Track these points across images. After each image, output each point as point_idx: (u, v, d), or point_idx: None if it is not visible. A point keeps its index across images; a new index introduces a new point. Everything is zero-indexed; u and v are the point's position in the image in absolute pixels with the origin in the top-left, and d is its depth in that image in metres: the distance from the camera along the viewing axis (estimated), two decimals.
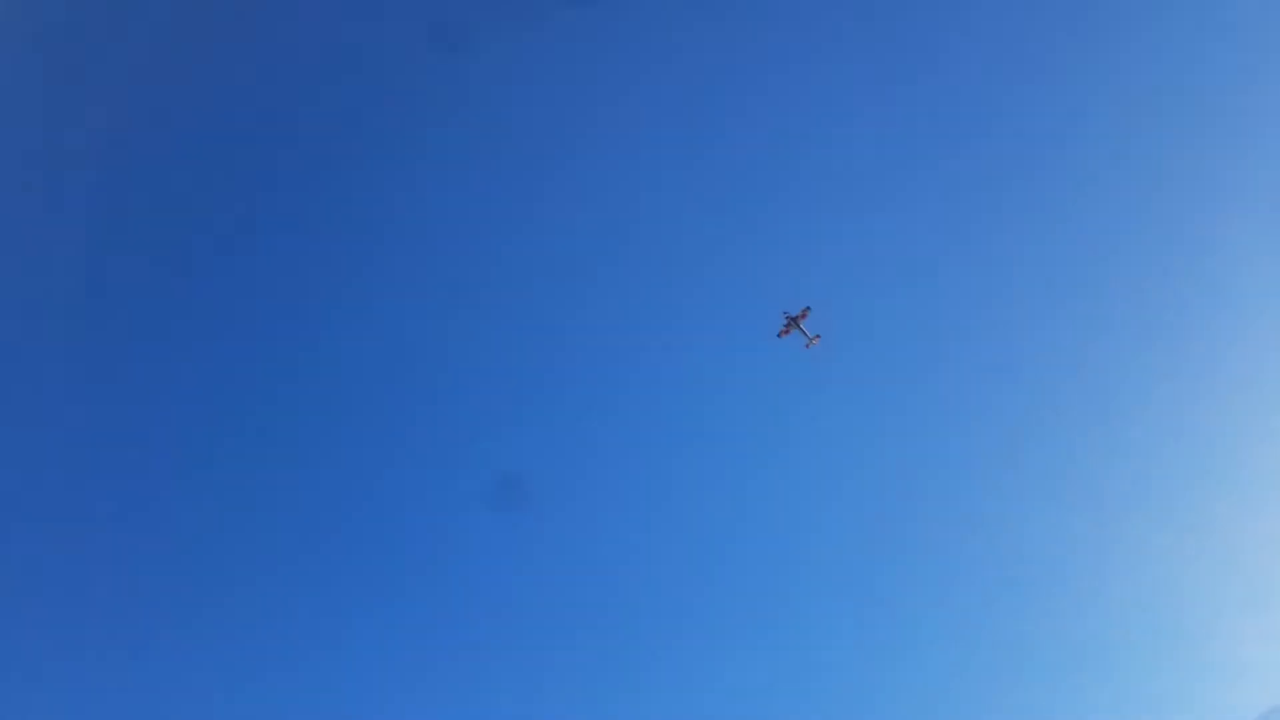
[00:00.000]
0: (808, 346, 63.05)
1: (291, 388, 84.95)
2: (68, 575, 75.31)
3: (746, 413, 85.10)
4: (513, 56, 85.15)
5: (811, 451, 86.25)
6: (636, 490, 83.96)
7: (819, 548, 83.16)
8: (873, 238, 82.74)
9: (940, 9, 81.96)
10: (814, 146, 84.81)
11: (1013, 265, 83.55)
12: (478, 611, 79.71)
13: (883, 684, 76.81)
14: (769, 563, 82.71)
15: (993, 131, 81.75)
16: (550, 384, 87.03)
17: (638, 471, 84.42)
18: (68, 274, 79.99)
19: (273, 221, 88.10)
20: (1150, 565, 77.91)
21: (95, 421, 79.90)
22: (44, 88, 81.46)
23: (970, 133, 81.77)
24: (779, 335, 63.13)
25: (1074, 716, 72.19)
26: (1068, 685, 73.51)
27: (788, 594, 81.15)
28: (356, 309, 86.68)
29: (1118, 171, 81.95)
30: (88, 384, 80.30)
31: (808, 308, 62.11)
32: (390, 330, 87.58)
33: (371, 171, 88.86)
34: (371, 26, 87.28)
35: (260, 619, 77.04)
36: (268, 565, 79.45)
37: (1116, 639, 75.00)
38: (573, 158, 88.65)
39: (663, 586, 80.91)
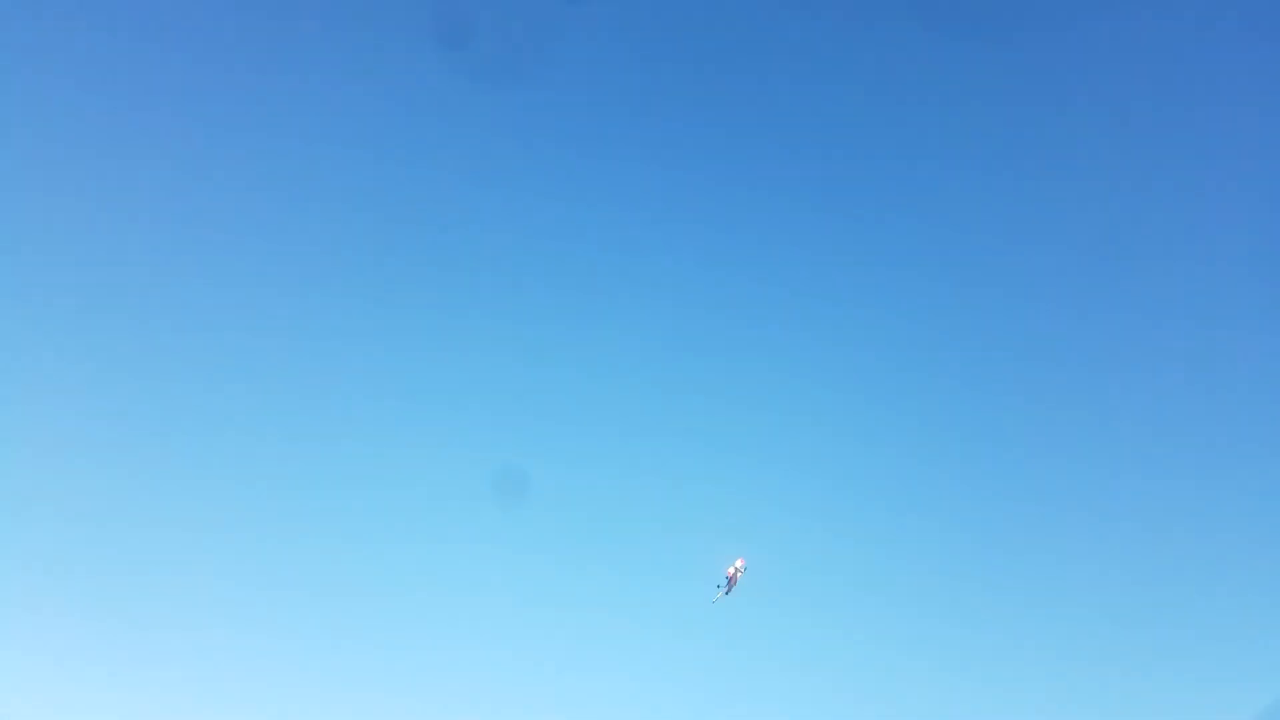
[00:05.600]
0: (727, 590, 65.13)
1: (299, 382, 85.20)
2: None
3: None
4: None
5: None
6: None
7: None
8: None
9: None
10: None
11: None
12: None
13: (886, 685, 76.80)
14: None
15: None
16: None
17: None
18: None
19: (282, 220, 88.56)
20: (1149, 563, 78.12)
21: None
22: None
23: None
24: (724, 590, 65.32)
25: (1072, 715, 72.26)
26: (1066, 684, 73.56)
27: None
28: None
29: None
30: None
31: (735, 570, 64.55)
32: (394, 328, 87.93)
33: (382, 171, 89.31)
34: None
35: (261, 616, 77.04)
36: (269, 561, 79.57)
37: (1114, 637, 75.12)
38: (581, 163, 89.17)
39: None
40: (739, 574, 63.50)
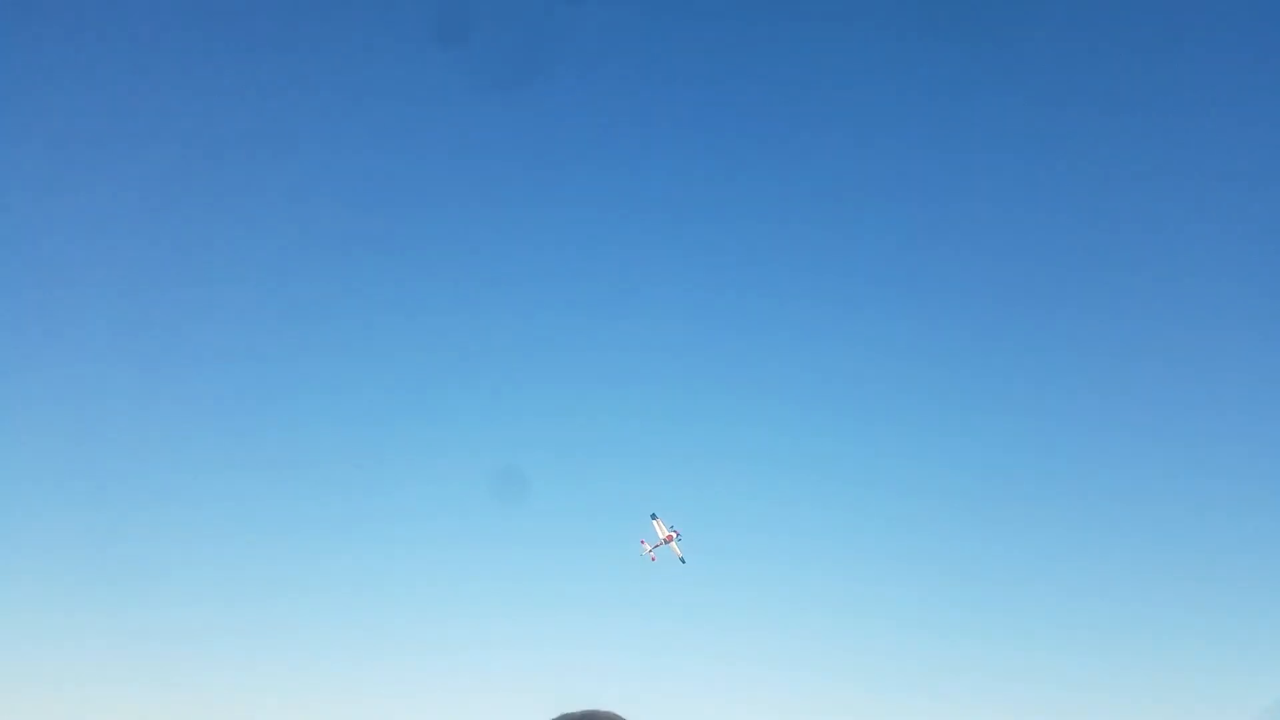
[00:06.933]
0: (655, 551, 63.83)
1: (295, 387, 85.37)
2: None
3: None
4: None
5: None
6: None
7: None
8: None
9: None
10: None
11: None
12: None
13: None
14: None
15: None
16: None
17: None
18: None
19: (279, 220, 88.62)
20: (1148, 562, 78.30)
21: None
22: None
23: None
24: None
25: (1071, 715, 72.37)
26: (1066, 683, 73.70)
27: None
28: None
29: None
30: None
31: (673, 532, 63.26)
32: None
33: (380, 172, 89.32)
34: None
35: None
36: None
37: (1114, 637, 75.27)
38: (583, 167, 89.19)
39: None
40: (662, 545, 62.64)
